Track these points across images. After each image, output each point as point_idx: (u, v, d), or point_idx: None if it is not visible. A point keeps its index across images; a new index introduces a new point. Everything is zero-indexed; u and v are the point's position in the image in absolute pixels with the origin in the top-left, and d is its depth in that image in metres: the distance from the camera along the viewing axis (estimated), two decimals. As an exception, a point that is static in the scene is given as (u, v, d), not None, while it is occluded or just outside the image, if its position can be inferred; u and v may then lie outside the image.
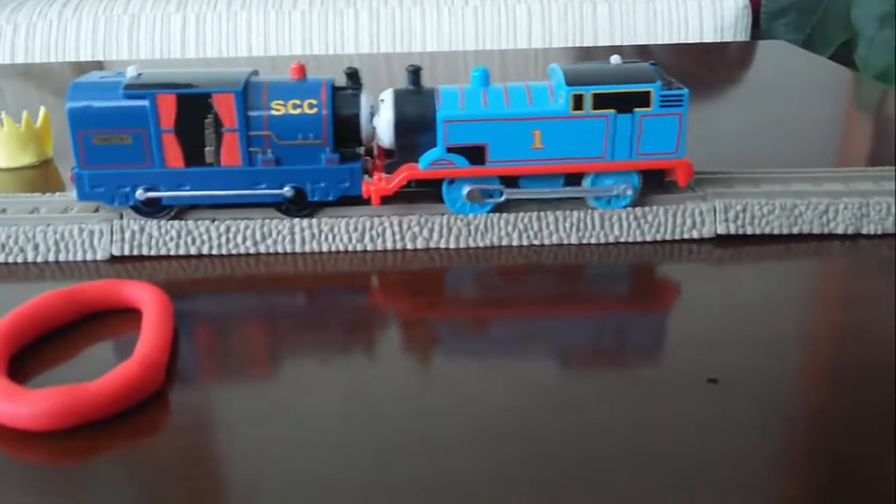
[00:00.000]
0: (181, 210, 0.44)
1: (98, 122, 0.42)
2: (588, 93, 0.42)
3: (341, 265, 0.42)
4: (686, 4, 1.23)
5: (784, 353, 0.34)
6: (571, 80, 0.42)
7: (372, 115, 0.43)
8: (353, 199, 0.44)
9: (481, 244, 0.43)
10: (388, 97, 0.43)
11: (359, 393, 0.31)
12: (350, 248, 0.43)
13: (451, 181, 0.44)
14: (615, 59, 0.44)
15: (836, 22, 1.42)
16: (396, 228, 0.43)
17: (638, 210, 0.44)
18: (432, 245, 0.43)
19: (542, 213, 0.44)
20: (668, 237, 0.44)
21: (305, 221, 0.43)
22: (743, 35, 1.25)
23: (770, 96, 0.73)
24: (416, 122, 0.43)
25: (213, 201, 0.44)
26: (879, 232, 0.44)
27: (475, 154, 0.43)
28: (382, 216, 0.43)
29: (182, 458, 0.28)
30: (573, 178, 0.44)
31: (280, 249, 0.43)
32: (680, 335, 0.36)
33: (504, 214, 0.44)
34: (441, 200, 0.44)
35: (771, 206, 0.43)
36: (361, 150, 0.45)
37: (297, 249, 0.43)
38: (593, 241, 0.44)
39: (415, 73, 0.43)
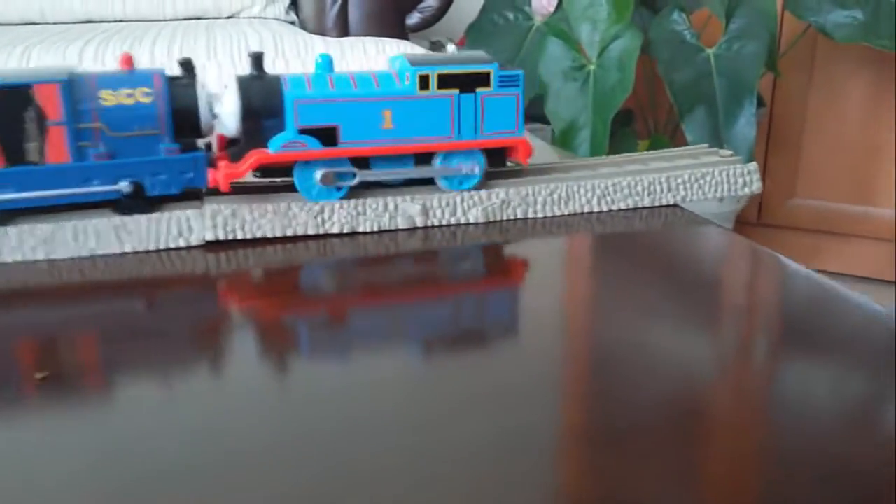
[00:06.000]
0: (4, 215, 0.39)
1: None
2: (433, 73, 0.44)
3: None
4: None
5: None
6: (416, 64, 0.43)
7: (210, 105, 0.41)
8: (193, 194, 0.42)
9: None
10: (232, 84, 0.41)
11: None
12: None
13: (304, 166, 0.42)
14: (451, 47, 0.44)
15: (530, 77, 1.52)
16: None
17: (117, 219, 0.40)
18: None
19: (7, 228, 0.39)
20: (152, 247, 0.41)
21: None
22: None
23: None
24: (263, 107, 0.41)
25: (40, 203, 0.39)
26: (376, 229, 0.44)
27: (327, 136, 0.41)
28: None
29: None
30: (424, 160, 0.44)
31: None
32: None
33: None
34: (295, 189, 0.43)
35: (263, 209, 0.42)
36: (202, 142, 0.42)
37: None
38: (65, 256, 0.40)
39: (257, 58, 0.41)
